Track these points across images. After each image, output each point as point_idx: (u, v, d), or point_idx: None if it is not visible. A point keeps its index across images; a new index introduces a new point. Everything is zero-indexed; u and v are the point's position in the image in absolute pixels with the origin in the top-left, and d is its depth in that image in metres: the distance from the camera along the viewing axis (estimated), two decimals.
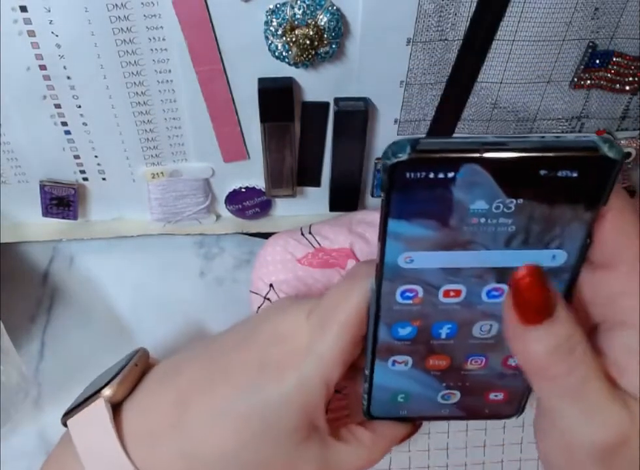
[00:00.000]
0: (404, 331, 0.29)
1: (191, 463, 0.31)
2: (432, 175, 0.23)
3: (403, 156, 0.23)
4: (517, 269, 0.25)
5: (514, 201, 0.24)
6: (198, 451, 0.31)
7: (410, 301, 0.28)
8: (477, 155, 0.23)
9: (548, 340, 0.25)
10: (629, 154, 0.41)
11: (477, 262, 0.26)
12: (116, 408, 0.33)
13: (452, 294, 0.28)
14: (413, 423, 0.35)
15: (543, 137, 0.24)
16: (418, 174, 0.23)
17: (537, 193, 0.24)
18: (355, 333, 0.30)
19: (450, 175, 0.23)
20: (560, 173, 0.23)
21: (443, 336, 0.30)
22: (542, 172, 0.23)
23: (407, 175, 0.23)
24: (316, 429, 0.32)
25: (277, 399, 0.30)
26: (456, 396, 0.32)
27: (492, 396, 0.32)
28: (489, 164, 0.23)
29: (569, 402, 0.25)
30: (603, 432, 0.25)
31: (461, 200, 0.24)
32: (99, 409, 0.32)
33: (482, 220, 0.25)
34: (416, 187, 0.24)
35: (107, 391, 0.32)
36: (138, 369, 0.34)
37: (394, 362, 0.31)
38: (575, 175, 0.23)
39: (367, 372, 0.32)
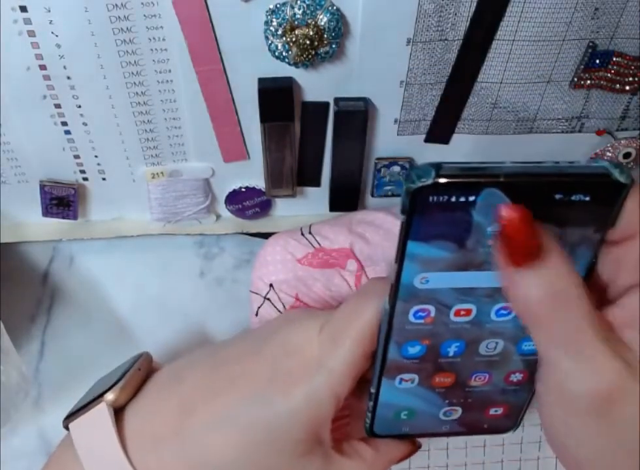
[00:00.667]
0: (413, 350, 0.30)
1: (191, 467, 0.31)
2: (453, 199, 0.24)
3: (428, 181, 0.24)
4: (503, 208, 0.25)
5: None
6: (200, 458, 0.31)
7: (422, 321, 0.29)
8: (498, 179, 0.24)
9: (540, 284, 0.24)
10: (629, 154, 0.41)
11: (490, 282, 0.27)
12: (118, 412, 0.33)
13: (463, 313, 0.28)
14: (413, 442, 0.35)
15: (557, 163, 0.25)
16: (441, 198, 0.24)
17: (551, 216, 0.25)
18: (366, 349, 0.30)
19: (471, 198, 0.24)
20: (573, 198, 0.24)
21: (451, 354, 0.30)
22: (556, 196, 0.24)
23: (430, 199, 0.24)
24: (320, 443, 0.32)
25: (285, 412, 0.30)
26: (458, 412, 0.33)
27: (492, 411, 0.33)
28: (508, 188, 0.24)
29: (564, 350, 0.25)
30: (595, 380, 0.25)
31: (480, 223, 0.25)
32: (101, 413, 0.32)
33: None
34: (437, 210, 0.24)
35: (110, 396, 0.32)
36: (140, 373, 0.35)
37: (400, 380, 0.31)
38: (587, 199, 0.24)
39: (373, 390, 0.32)
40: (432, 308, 0.28)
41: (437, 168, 0.24)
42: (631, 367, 0.25)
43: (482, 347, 0.30)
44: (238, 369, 0.32)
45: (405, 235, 0.25)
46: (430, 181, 0.24)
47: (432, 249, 0.26)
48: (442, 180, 0.24)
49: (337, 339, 0.30)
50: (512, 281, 0.25)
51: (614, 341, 0.25)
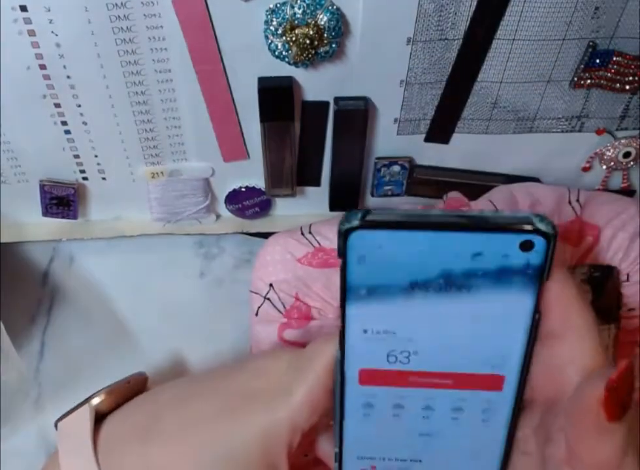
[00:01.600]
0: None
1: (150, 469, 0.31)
2: (380, 242, 0.25)
3: (355, 223, 0.25)
4: (615, 368, 0.25)
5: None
6: (155, 465, 0.31)
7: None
8: (423, 224, 0.25)
9: (622, 433, 0.25)
10: (628, 153, 0.41)
11: None
12: (102, 419, 0.34)
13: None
14: None
15: (482, 211, 0.25)
16: (370, 240, 0.25)
17: (477, 266, 0.25)
18: (327, 384, 0.30)
19: (393, 244, 0.25)
20: (497, 247, 0.25)
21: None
22: (481, 245, 0.25)
23: (360, 241, 0.25)
24: None
25: (243, 432, 0.30)
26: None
27: None
28: (434, 235, 0.25)
29: None
30: None
31: (404, 271, 0.26)
32: (83, 415, 0.33)
33: (426, 293, 0.26)
34: (371, 254, 0.25)
35: (95, 399, 0.34)
36: (130, 386, 0.35)
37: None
38: (512, 252, 0.25)
39: (336, 449, 0.32)
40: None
41: (365, 212, 0.25)
42: None
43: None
44: (210, 384, 0.33)
45: (344, 276, 0.26)
46: (356, 223, 0.25)
47: (372, 297, 0.27)
48: (368, 219, 0.25)
49: (302, 369, 0.31)
50: (602, 433, 0.25)
51: None
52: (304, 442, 0.33)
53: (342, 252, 0.26)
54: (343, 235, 0.25)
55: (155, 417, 0.32)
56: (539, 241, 0.25)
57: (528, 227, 0.24)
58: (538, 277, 0.26)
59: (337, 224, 0.26)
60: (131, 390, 0.35)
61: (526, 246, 0.25)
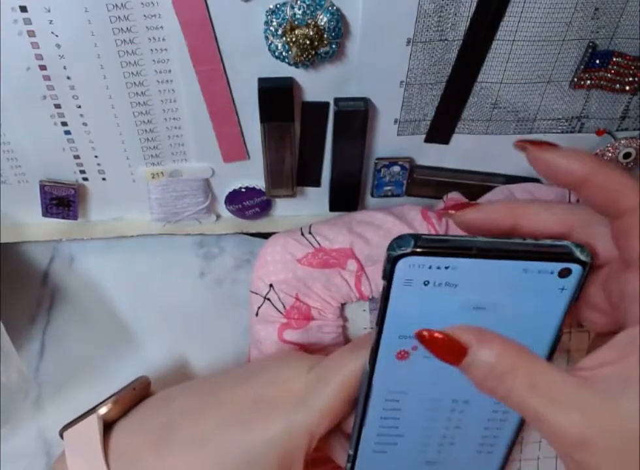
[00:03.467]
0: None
1: None
2: (429, 268, 0.26)
3: (407, 249, 0.26)
4: None
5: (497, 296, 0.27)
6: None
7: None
8: (470, 252, 0.26)
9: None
10: (629, 154, 0.41)
11: None
12: (109, 428, 0.33)
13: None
14: None
15: (524, 239, 0.27)
16: (418, 266, 0.26)
17: (517, 290, 0.27)
18: (348, 396, 0.32)
19: (444, 269, 0.26)
20: (539, 272, 0.27)
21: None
22: (523, 272, 0.27)
23: (409, 266, 0.26)
24: None
25: (261, 440, 0.31)
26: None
27: None
28: (480, 260, 0.26)
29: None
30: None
31: (451, 294, 0.27)
32: (91, 425, 0.33)
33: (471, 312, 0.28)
34: (414, 278, 0.27)
35: (102, 409, 0.34)
36: (135, 393, 0.36)
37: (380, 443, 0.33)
38: (551, 273, 0.27)
39: (351, 452, 0.33)
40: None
41: (416, 238, 0.26)
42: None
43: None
44: (226, 394, 0.33)
45: (386, 299, 0.27)
46: (408, 249, 0.26)
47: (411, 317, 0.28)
48: (419, 249, 0.26)
49: (323, 380, 0.32)
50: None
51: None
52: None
53: (388, 274, 0.27)
54: (393, 259, 0.26)
55: (169, 427, 0.32)
56: (576, 269, 0.26)
57: (569, 256, 0.26)
58: (569, 298, 0.27)
59: (388, 249, 0.26)
60: (137, 396, 0.36)
61: (564, 273, 0.26)
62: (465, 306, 0.27)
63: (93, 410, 0.34)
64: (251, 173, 0.42)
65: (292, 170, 0.41)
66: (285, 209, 0.45)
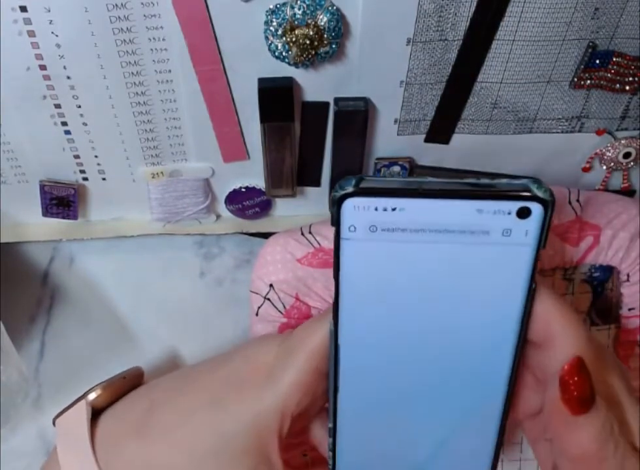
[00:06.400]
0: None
1: (146, 462, 0.31)
2: (374, 210, 0.25)
3: (350, 188, 0.25)
4: (564, 365, 0.26)
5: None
6: (152, 459, 0.31)
7: None
8: (416, 191, 0.25)
9: (595, 424, 0.26)
10: (629, 154, 0.41)
11: None
12: (98, 414, 0.34)
13: None
14: None
15: (478, 179, 0.25)
16: (362, 208, 0.25)
17: (474, 236, 0.25)
18: (319, 365, 0.30)
19: (391, 211, 0.25)
20: (494, 212, 0.25)
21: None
22: (477, 213, 0.25)
23: (354, 207, 0.25)
24: (270, 464, 0.31)
25: (232, 421, 0.30)
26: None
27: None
28: (429, 202, 0.25)
29: None
30: None
31: (402, 242, 0.25)
32: (80, 410, 0.33)
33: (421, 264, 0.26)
34: (360, 223, 0.25)
35: (91, 395, 0.33)
36: (125, 382, 0.35)
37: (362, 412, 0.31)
38: (509, 214, 0.25)
39: (330, 425, 0.31)
40: None
41: (360, 178, 0.25)
42: None
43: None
44: (205, 377, 0.33)
45: (338, 248, 0.26)
46: (350, 188, 0.25)
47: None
48: (362, 188, 0.25)
49: (292, 352, 0.30)
50: (571, 427, 0.26)
51: None
52: (296, 429, 0.32)
53: (336, 220, 0.25)
54: (337, 203, 0.25)
55: (149, 411, 0.32)
56: (536, 208, 0.24)
57: (526, 194, 0.24)
58: (535, 245, 0.25)
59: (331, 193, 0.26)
60: (127, 385, 0.35)
61: (523, 213, 0.24)
62: (419, 257, 0.26)
63: (83, 396, 0.34)
64: (251, 173, 0.42)
65: (292, 170, 0.41)
66: (285, 209, 0.45)
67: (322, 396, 0.32)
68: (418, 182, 0.25)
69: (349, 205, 0.25)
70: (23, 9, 0.33)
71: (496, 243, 0.25)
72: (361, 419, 0.31)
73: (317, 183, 0.43)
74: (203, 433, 0.30)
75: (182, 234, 0.45)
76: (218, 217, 0.45)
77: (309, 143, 0.40)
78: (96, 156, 0.40)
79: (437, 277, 0.26)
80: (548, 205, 0.24)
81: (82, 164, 0.40)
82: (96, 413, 0.34)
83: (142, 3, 0.33)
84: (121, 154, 0.40)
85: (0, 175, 0.40)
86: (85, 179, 0.41)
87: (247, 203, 0.43)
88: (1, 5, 0.32)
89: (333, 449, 0.32)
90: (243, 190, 0.43)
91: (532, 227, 0.25)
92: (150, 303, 0.46)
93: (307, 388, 0.30)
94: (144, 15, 0.34)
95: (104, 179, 0.41)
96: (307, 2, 0.33)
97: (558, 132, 0.40)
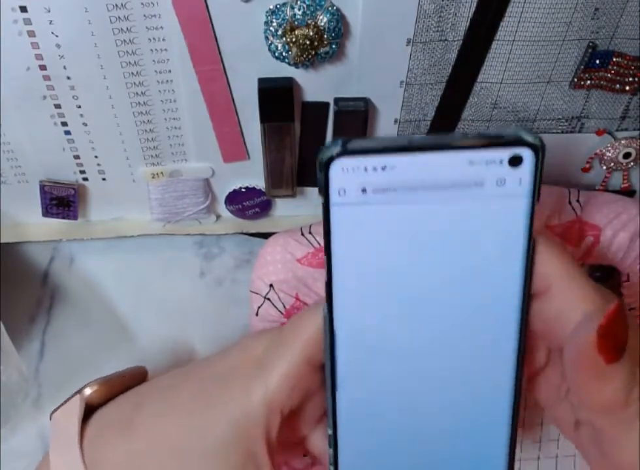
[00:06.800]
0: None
1: (131, 461, 0.30)
2: (364, 170, 0.24)
3: (337, 149, 0.24)
4: (606, 309, 0.24)
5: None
6: (136, 456, 0.30)
7: None
8: (405, 146, 0.24)
9: (625, 371, 0.25)
10: (629, 154, 0.41)
11: None
12: (93, 411, 0.33)
13: None
14: None
15: (465, 133, 0.25)
16: (351, 169, 0.24)
17: (469, 191, 0.25)
18: (311, 356, 0.28)
19: (381, 170, 0.24)
20: (487, 163, 0.24)
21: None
22: (469, 165, 0.24)
23: (342, 169, 0.24)
24: (257, 465, 0.29)
25: (216, 417, 0.29)
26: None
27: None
28: (420, 158, 0.24)
29: (629, 429, 0.25)
30: None
31: (395, 204, 0.24)
32: (74, 405, 0.32)
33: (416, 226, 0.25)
34: (350, 186, 0.24)
35: (86, 390, 0.32)
36: (124, 380, 0.34)
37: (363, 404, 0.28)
38: (500, 163, 0.24)
39: (330, 431, 0.28)
40: None
41: (345, 140, 0.24)
42: None
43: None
44: (190, 371, 0.32)
45: (328, 219, 0.25)
46: (338, 149, 0.23)
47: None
48: (349, 148, 0.24)
49: (283, 343, 0.29)
50: (600, 376, 0.25)
51: None
52: (288, 427, 0.31)
53: (324, 185, 0.24)
54: (325, 166, 0.24)
55: (137, 409, 0.31)
56: (527, 155, 0.24)
57: (516, 140, 0.24)
58: (530, 195, 0.25)
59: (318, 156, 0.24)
60: (126, 383, 0.34)
61: (515, 161, 0.24)
62: (415, 220, 0.25)
63: (79, 391, 0.33)
64: (251, 174, 0.42)
65: (292, 170, 0.41)
66: (285, 209, 0.45)
67: (319, 393, 0.30)
68: (407, 138, 0.24)
69: (337, 167, 0.24)
70: (23, 9, 0.33)
71: (491, 196, 0.24)
72: (365, 420, 0.28)
73: (317, 183, 0.43)
74: (186, 428, 0.29)
75: (182, 234, 0.45)
76: (218, 217, 0.45)
77: (309, 143, 0.40)
78: (96, 157, 0.40)
79: (435, 241, 0.25)
80: (539, 150, 0.24)
81: (82, 164, 0.40)
82: (92, 410, 0.33)
83: (142, 3, 0.33)
84: (121, 154, 0.40)
85: (1, 175, 0.40)
86: (85, 179, 0.41)
87: (247, 203, 0.43)
88: (1, 5, 0.32)
89: (335, 462, 0.29)
90: (243, 190, 0.43)
91: (525, 174, 0.24)
92: (150, 303, 0.46)
93: (299, 381, 0.28)
94: (144, 16, 0.34)
95: (104, 179, 0.41)
96: (307, 3, 0.33)
97: (558, 132, 0.40)
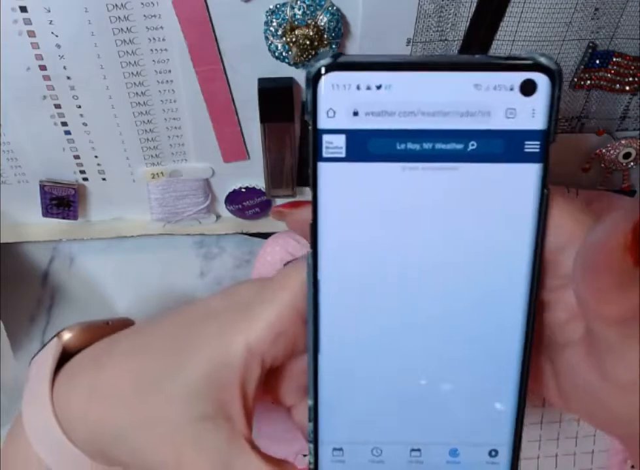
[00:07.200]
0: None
1: (93, 396, 0.28)
2: (357, 88, 0.21)
3: (326, 60, 0.21)
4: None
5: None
6: (99, 385, 0.28)
7: None
8: (401, 64, 0.21)
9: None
10: (628, 154, 0.41)
11: None
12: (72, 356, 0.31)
13: None
14: None
15: (473, 55, 0.22)
16: (343, 86, 0.21)
17: (473, 120, 0.21)
18: (300, 305, 0.25)
19: (375, 89, 0.21)
20: (495, 87, 0.21)
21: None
22: (474, 88, 0.21)
23: (332, 85, 0.21)
24: (227, 417, 0.26)
25: (188, 358, 0.26)
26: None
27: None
28: (422, 77, 0.21)
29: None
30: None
31: (389, 128, 0.21)
32: (50, 348, 0.30)
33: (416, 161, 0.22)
34: (340, 107, 0.21)
35: (65, 333, 0.31)
36: (108, 327, 0.32)
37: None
38: (510, 89, 0.21)
39: (310, 402, 0.25)
40: None
41: (336, 54, 0.21)
42: None
43: None
44: (177, 312, 0.29)
45: (316, 148, 0.21)
46: (329, 60, 0.21)
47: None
48: (342, 60, 0.21)
49: (272, 288, 0.26)
50: (627, 280, 0.21)
51: None
52: (273, 394, 0.29)
53: (312, 103, 0.21)
54: (313, 80, 0.21)
55: (108, 347, 0.29)
56: (542, 81, 0.21)
57: (529, 63, 0.21)
58: (543, 136, 0.22)
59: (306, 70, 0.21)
60: (110, 332, 0.31)
61: (528, 89, 0.21)
62: (411, 154, 0.22)
63: (57, 334, 0.31)
64: (251, 174, 0.42)
65: (292, 170, 0.41)
66: None
67: (303, 350, 0.27)
68: (406, 57, 0.22)
69: (327, 83, 0.21)
70: (23, 9, 0.33)
71: (499, 129, 0.21)
72: (350, 388, 0.25)
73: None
74: (155, 369, 0.27)
75: (182, 234, 0.45)
76: (218, 217, 0.45)
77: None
78: (96, 157, 0.40)
79: (434, 182, 0.22)
80: (555, 76, 0.21)
81: (82, 165, 0.40)
82: (72, 353, 0.30)
83: (142, 3, 0.33)
84: (121, 154, 0.40)
85: (1, 175, 0.40)
86: (85, 179, 0.41)
87: (247, 203, 0.43)
88: (1, 5, 0.32)
89: (315, 438, 0.25)
90: (243, 190, 0.43)
91: (539, 105, 0.21)
92: (150, 303, 0.46)
93: (285, 328, 0.26)
94: (144, 16, 0.34)
95: (104, 179, 0.41)
96: (307, 3, 0.33)
97: (558, 133, 0.40)
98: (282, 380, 0.29)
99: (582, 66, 0.37)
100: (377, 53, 0.35)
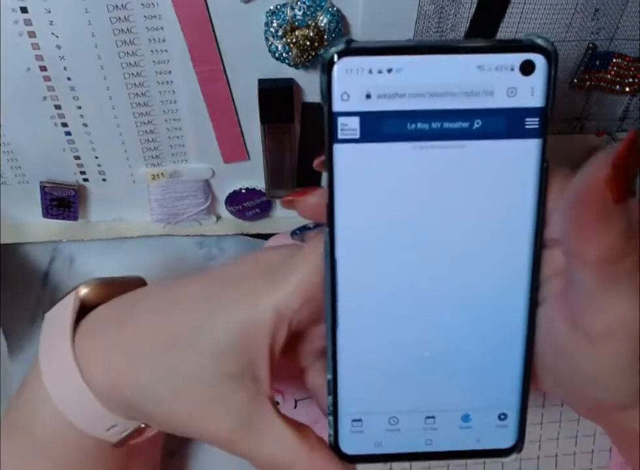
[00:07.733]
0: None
1: (116, 352, 0.28)
2: (369, 72, 0.23)
3: (340, 46, 0.22)
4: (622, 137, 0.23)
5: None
6: (123, 341, 0.28)
7: None
8: (411, 48, 0.23)
9: (626, 218, 0.22)
10: None
11: None
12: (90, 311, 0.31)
13: None
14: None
15: (475, 39, 0.25)
16: (356, 71, 0.23)
17: (478, 98, 0.23)
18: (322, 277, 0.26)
19: (387, 73, 0.23)
20: (496, 67, 0.23)
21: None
22: (478, 70, 0.23)
23: (347, 70, 0.22)
24: (254, 379, 0.27)
25: (216, 317, 0.27)
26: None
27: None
28: (430, 59, 0.23)
29: (616, 288, 0.23)
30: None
31: (398, 104, 0.23)
32: (67, 302, 0.30)
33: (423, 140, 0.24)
34: (354, 90, 0.23)
35: (82, 288, 0.31)
36: (124, 284, 0.32)
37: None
38: (511, 69, 0.23)
39: (330, 376, 0.26)
40: None
41: (348, 40, 0.23)
42: None
43: None
44: (205, 273, 0.30)
45: (331, 132, 0.23)
46: (341, 46, 0.22)
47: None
48: (355, 46, 0.22)
49: (301, 256, 0.27)
50: (605, 216, 0.22)
51: None
52: (289, 354, 0.29)
53: (326, 87, 0.23)
54: (328, 66, 0.22)
55: (133, 304, 0.30)
56: (540, 61, 0.23)
57: (527, 44, 0.23)
58: (542, 113, 0.23)
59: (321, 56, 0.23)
60: (125, 288, 0.31)
61: (527, 68, 0.23)
62: (421, 133, 0.23)
63: (74, 289, 0.31)
64: (251, 174, 0.42)
65: (292, 171, 0.41)
66: (285, 211, 0.45)
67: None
68: (414, 41, 0.24)
69: (341, 67, 0.22)
70: (24, 10, 0.33)
71: (502, 108, 0.23)
72: (368, 362, 0.26)
73: (317, 184, 0.43)
74: (183, 327, 0.27)
75: (182, 235, 0.45)
76: (218, 218, 0.45)
77: (309, 143, 0.40)
78: (96, 157, 0.40)
79: (442, 158, 0.24)
80: (551, 56, 0.23)
81: (82, 165, 0.40)
82: (89, 309, 0.31)
83: (142, 4, 0.33)
84: (122, 155, 0.40)
85: (1, 176, 0.40)
86: (86, 180, 0.41)
87: (247, 204, 0.43)
88: (1, 6, 0.32)
89: (334, 411, 0.27)
90: (243, 191, 0.43)
91: (538, 83, 0.23)
92: None
93: (311, 296, 0.26)
94: (144, 16, 0.34)
95: (104, 180, 0.41)
96: (307, 3, 0.33)
97: (558, 133, 0.40)
98: (300, 342, 0.29)
99: (582, 67, 0.37)
100: None
